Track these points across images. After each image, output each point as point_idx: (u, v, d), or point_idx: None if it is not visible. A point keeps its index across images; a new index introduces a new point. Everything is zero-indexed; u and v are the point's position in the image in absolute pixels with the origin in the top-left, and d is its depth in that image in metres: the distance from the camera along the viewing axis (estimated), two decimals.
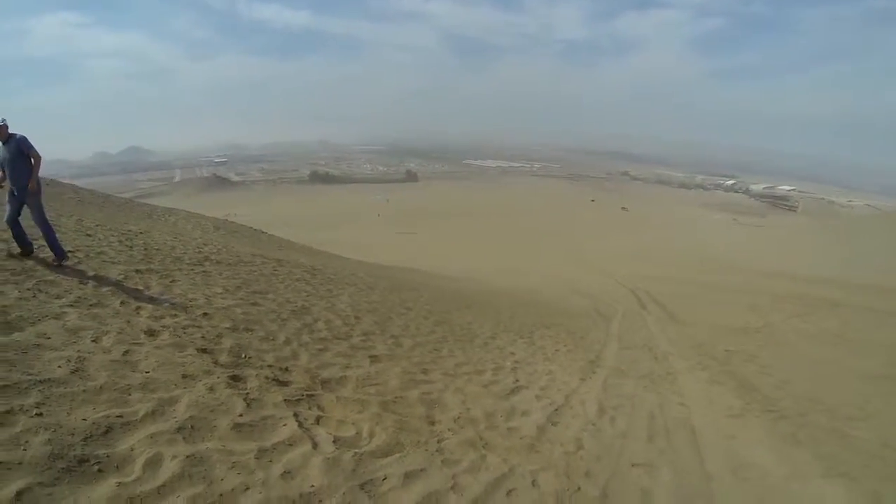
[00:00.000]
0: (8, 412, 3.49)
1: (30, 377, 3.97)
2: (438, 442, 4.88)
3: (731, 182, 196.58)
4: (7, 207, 7.46)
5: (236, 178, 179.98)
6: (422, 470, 4.21)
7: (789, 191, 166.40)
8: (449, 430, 5.29)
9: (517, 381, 8.11)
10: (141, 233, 12.95)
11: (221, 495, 3.27)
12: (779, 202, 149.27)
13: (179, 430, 3.82)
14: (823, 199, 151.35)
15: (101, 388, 4.10)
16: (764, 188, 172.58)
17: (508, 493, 4.27)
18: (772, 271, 39.25)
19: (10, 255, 7.46)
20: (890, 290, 25.73)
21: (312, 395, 5.18)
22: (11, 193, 7.39)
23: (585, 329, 15.51)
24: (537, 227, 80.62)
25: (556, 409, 6.93)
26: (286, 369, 5.74)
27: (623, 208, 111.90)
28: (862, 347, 14.28)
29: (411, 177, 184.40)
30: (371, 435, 4.59)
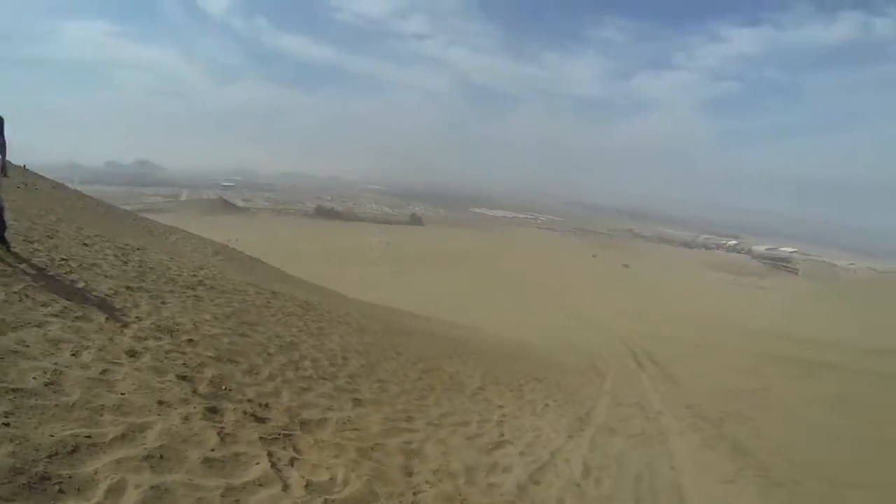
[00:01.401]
0: None
1: (3, 384, 3.85)
2: (414, 494, 4.73)
3: (733, 242, 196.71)
4: None
5: (242, 204, 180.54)
6: None
7: (791, 252, 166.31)
8: (427, 482, 5.14)
9: (502, 435, 7.96)
10: (138, 249, 12.86)
11: None
12: (780, 264, 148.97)
13: (147, 458, 3.68)
14: (825, 261, 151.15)
15: (73, 404, 3.96)
16: (766, 249, 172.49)
17: None
18: (771, 333, 39.15)
19: None
20: (889, 353, 25.61)
21: (290, 436, 5.03)
22: None
23: (578, 384, 15.32)
24: (537, 279, 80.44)
25: (540, 467, 6.77)
26: (266, 405, 5.59)
27: (624, 265, 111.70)
28: (860, 412, 14.13)
29: (416, 220, 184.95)
30: (345, 482, 4.44)
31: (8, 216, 7.93)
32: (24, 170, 21.39)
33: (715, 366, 24.15)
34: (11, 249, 7.66)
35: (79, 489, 3.17)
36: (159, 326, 6.90)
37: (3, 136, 7.24)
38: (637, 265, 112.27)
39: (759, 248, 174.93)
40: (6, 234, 7.75)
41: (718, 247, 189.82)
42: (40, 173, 23.08)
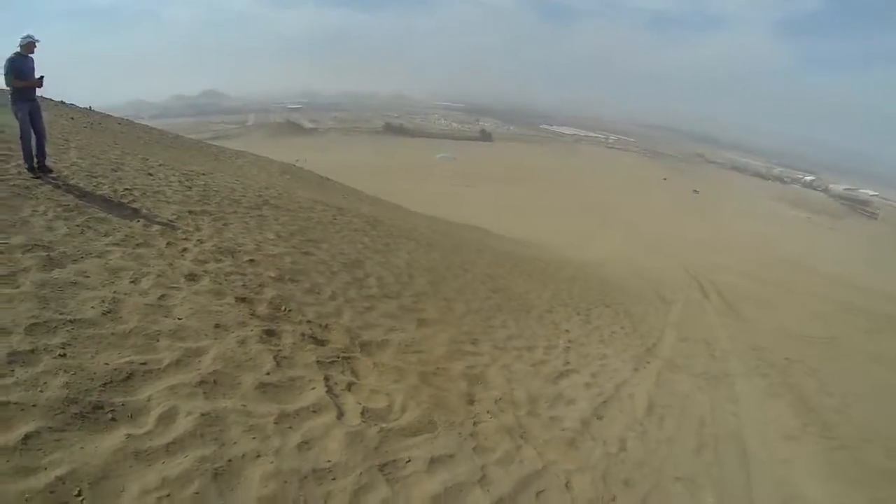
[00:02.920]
0: (32, 351, 3.39)
1: (61, 316, 3.86)
2: (474, 425, 4.60)
3: (810, 178, 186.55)
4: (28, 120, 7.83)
5: (309, 125, 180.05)
6: (450, 456, 3.94)
7: (872, 195, 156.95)
8: (488, 412, 5.00)
9: (568, 363, 7.75)
10: (203, 174, 12.94)
11: (230, 461, 3.07)
12: (859, 206, 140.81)
13: (201, 383, 3.65)
14: None
15: (129, 332, 3.96)
16: (845, 189, 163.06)
17: (538, 494, 3.96)
18: (841, 279, 37.63)
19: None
20: None
21: (348, 358, 4.95)
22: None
23: (644, 313, 14.92)
24: (605, 200, 78.66)
25: (605, 401, 6.56)
26: (326, 327, 5.52)
27: (695, 191, 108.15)
28: None
29: (485, 136, 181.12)
30: (403, 409, 4.34)
31: (47, 146, 8.32)
32: (89, 111, 21.77)
33: (782, 307, 23.25)
34: (50, 176, 7.93)
35: (131, 416, 3.15)
36: (220, 248, 6.90)
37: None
38: (707, 192, 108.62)
39: (838, 188, 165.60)
40: (47, 161, 8.16)
41: (794, 181, 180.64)
42: (108, 113, 23.45)
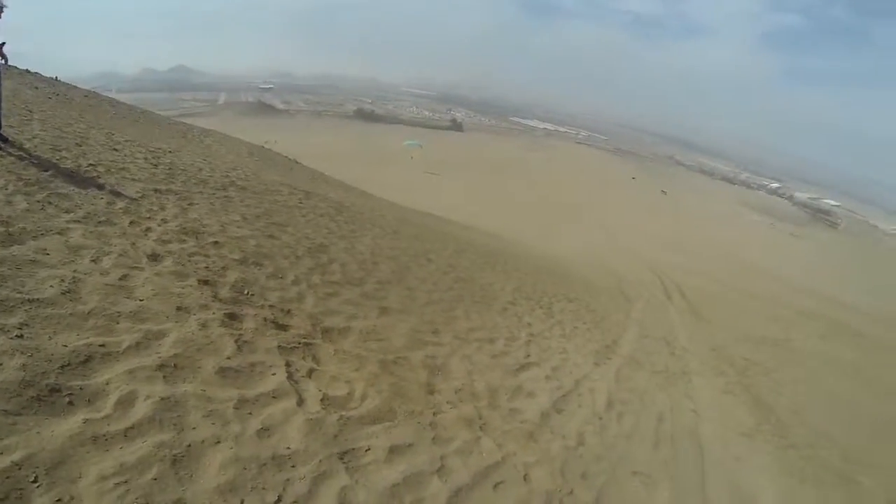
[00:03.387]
0: None
1: (19, 295, 3.78)
2: (434, 415, 4.64)
3: (775, 185, 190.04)
4: None
5: (281, 106, 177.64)
6: (409, 445, 3.98)
7: (834, 206, 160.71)
8: (448, 402, 5.04)
9: (528, 355, 7.83)
10: (170, 151, 12.71)
11: (189, 446, 3.06)
12: (821, 215, 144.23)
13: (161, 367, 3.62)
14: (868, 221, 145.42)
15: (89, 312, 3.90)
16: (809, 197, 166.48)
17: (496, 485, 4.03)
18: (800, 285, 38.71)
19: None
20: None
21: (310, 345, 4.94)
22: None
23: (607, 309, 15.14)
24: (573, 195, 79.25)
25: (564, 395, 6.65)
26: (288, 312, 5.49)
27: (663, 191, 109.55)
28: (879, 387, 13.93)
29: (456, 126, 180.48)
30: (363, 397, 4.36)
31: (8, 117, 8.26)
32: (54, 81, 21.22)
33: (741, 309, 23.89)
34: (8, 146, 7.70)
35: (89, 401, 3.11)
36: (185, 229, 6.79)
37: None
38: (675, 193, 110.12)
39: (802, 196, 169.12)
40: (3, 131, 7.92)
41: (760, 187, 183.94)
42: (74, 84, 22.89)
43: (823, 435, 8.86)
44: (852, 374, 14.73)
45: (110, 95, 26.87)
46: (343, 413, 3.98)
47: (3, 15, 7.39)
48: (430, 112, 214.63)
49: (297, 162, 28.61)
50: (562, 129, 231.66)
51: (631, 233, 55.14)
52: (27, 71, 20.22)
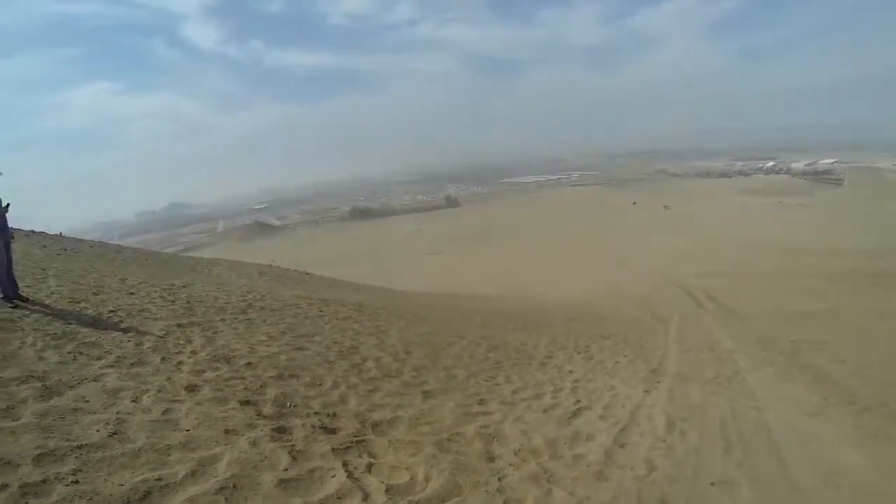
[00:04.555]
0: (44, 482, 3.34)
1: (67, 443, 3.82)
2: (499, 480, 4.56)
3: (770, 164, 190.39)
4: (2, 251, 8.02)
5: (277, 223, 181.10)
6: None
7: (832, 163, 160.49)
8: (510, 465, 4.97)
9: (578, 401, 7.73)
10: (184, 286, 12.93)
11: None
12: (822, 177, 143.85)
13: (221, 490, 3.60)
14: (869, 166, 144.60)
15: (139, 450, 3.91)
16: (805, 165, 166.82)
17: None
18: (823, 250, 38.19)
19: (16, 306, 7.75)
20: None
21: (363, 441, 4.91)
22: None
23: (643, 336, 14.99)
24: (581, 236, 79.67)
25: (623, 429, 6.53)
26: (334, 415, 5.48)
27: (665, 206, 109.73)
28: None
29: (452, 202, 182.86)
30: (427, 479, 4.30)
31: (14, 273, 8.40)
32: (60, 237, 21.87)
33: (776, 292, 23.56)
34: (29, 305, 7.99)
35: None
36: (215, 356, 6.86)
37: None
38: (678, 204, 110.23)
39: (798, 165, 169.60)
40: (20, 291, 8.29)
41: (756, 171, 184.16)
42: (77, 237, 23.55)
43: (893, 386, 8.62)
44: None
45: (114, 242, 27.54)
46: (410, 498, 3.93)
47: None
48: (423, 195, 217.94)
49: (307, 273, 28.98)
50: (553, 178, 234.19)
51: (645, 255, 54.98)
52: (32, 231, 20.84)
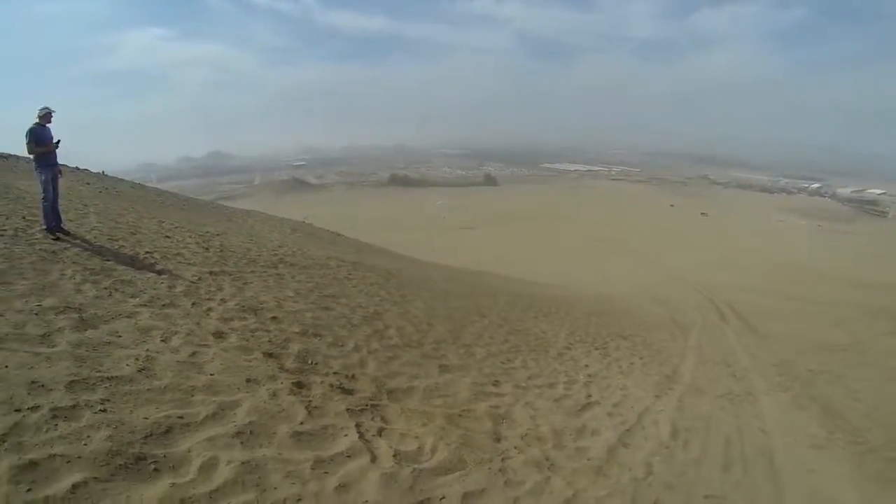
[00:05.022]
0: (74, 406, 3.53)
1: (98, 374, 4.02)
2: (503, 461, 4.67)
3: (816, 185, 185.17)
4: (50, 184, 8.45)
5: (315, 181, 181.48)
6: (482, 490, 4.03)
7: (880, 194, 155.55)
8: (515, 447, 5.08)
9: (590, 396, 7.81)
10: (218, 235, 13.21)
11: None
12: (868, 207, 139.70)
13: (238, 434, 3.78)
14: None
15: (165, 388, 4.11)
16: (852, 192, 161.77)
17: None
18: (859, 282, 37.23)
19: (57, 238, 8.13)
20: None
21: (377, 406, 5.06)
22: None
23: (663, 341, 14.93)
24: (615, 231, 78.81)
25: (628, 429, 6.61)
26: (352, 377, 5.64)
27: (703, 213, 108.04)
28: None
29: (490, 181, 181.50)
30: (433, 450, 4.43)
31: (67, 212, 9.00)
32: (102, 176, 22.33)
33: (802, 318, 23.09)
34: (71, 238, 8.40)
35: (173, 467, 3.27)
36: (243, 307, 7.07)
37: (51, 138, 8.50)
38: (715, 213, 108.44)
39: (845, 191, 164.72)
40: (63, 224, 8.71)
41: (800, 190, 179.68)
42: (119, 177, 24.01)
43: None
44: None
45: (152, 185, 28.03)
46: (416, 466, 4.06)
47: (52, 119, 8.41)
48: (462, 170, 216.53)
49: (338, 234, 29.16)
50: (595, 169, 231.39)
51: (677, 260, 54.31)
52: (77, 168, 21.31)
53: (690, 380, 10.51)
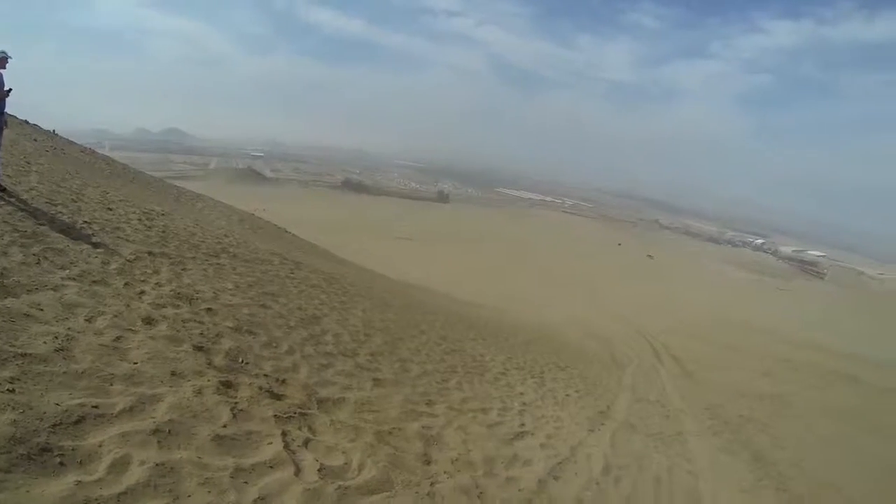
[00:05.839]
0: None
1: (11, 348, 3.71)
2: (431, 485, 4.53)
3: (760, 241, 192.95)
4: None
5: (270, 174, 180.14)
6: None
7: (819, 256, 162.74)
8: (445, 472, 4.94)
9: (523, 424, 7.75)
10: (163, 214, 12.77)
11: None
12: (807, 267, 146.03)
13: (155, 432, 3.52)
14: (853, 268, 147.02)
15: (82, 372, 3.82)
16: (793, 251, 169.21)
17: None
18: (791, 338, 38.59)
19: None
20: None
21: (305, 415, 4.84)
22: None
23: (599, 375, 15.13)
24: (561, 263, 79.98)
25: (560, 462, 6.56)
26: (283, 381, 5.40)
27: (649, 255, 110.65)
28: (882, 432, 13.82)
29: (442, 198, 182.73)
30: (360, 467, 4.25)
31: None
32: (52, 135, 21.55)
33: (734, 366, 23.91)
34: (5, 195, 7.92)
35: (81, 462, 3.01)
36: (178, 294, 6.74)
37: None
38: (662, 257, 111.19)
39: (786, 250, 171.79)
40: (1, 180, 8.23)
41: (745, 244, 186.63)
42: (70, 139, 23.22)
43: (827, 484, 8.82)
44: (852, 421, 14.69)
45: (103, 152, 27.19)
46: (341, 483, 3.88)
47: (7, 65, 7.87)
48: (416, 183, 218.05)
49: (286, 231, 28.80)
50: (548, 199, 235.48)
51: (619, 298, 55.32)
52: (26, 122, 20.48)
53: (624, 416, 10.61)
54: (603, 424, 9.46)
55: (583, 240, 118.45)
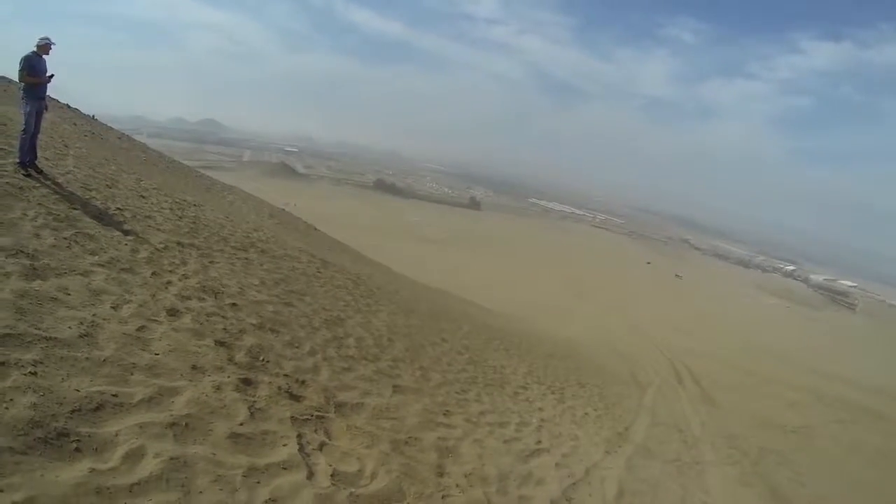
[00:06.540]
0: (3, 363, 3.27)
1: (37, 331, 3.75)
2: (443, 498, 4.48)
3: (791, 268, 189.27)
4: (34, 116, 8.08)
5: (303, 170, 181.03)
6: None
7: (851, 286, 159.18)
8: (457, 486, 4.88)
9: (540, 441, 7.64)
10: (195, 205, 12.85)
11: None
12: (837, 297, 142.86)
13: (172, 425, 3.53)
14: (885, 301, 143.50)
15: (104, 360, 3.84)
16: (824, 279, 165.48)
17: None
18: (818, 369, 37.82)
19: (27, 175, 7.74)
20: None
21: (322, 418, 4.83)
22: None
23: (619, 395, 14.91)
24: (588, 278, 79.32)
25: (574, 483, 6.45)
26: (303, 383, 5.39)
27: (677, 275, 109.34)
28: None
29: (474, 204, 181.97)
30: (373, 475, 4.22)
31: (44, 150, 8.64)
32: (92, 119, 21.87)
33: (758, 395, 23.41)
34: (42, 178, 7.99)
35: (96, 450, 3.02)
36: (205, 287, 6.76)
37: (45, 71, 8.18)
38: (690, 278, 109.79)
39: (817, 278, 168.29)
40: (37, 161, 8.28)
41: (775, 270, 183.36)
42: (108, 125, 23.55)
43: None
44: (877, 460, 14.32)
45: (140, 139, 27.58)
46: (353, 490, 3.85)
47: (51, 51, 8.10)
48: (448, 188, 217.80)
49: (315, 228, 28.85)
50: (579, 212, 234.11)
51: (644, 317, 54.65)
52: (67, 106, 20.81)
53: (642, 440, 10.44)
54: (620, 447, 9.31)
55: (612, 255, 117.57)
